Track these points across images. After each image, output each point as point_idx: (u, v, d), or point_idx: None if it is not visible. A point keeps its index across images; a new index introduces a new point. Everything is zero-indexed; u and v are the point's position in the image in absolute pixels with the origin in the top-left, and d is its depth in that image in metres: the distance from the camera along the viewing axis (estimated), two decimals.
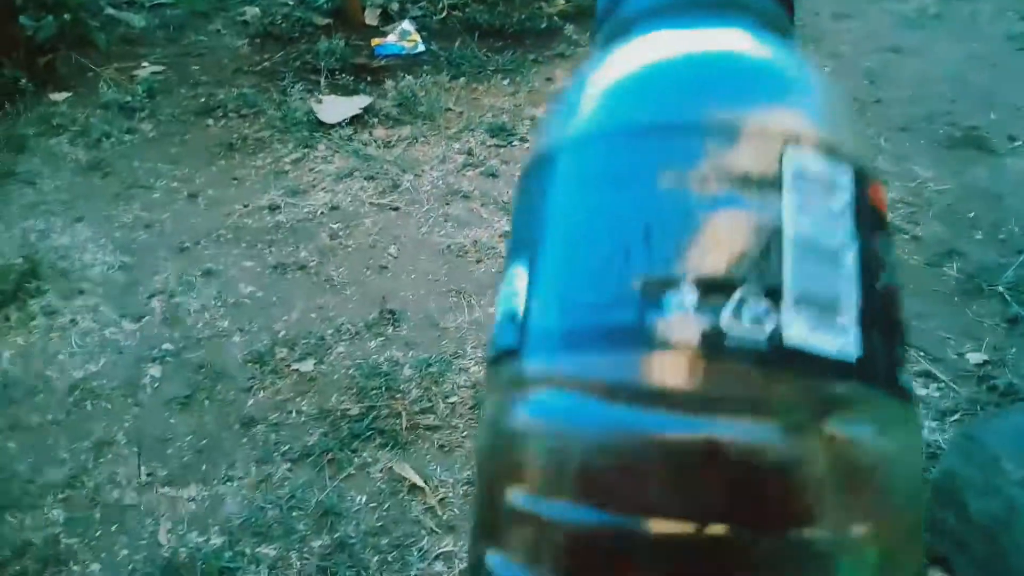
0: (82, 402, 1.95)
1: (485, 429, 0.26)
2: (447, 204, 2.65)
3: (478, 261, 2.40)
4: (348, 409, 1.91)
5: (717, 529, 0.21)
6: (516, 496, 0.24)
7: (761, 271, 0.22)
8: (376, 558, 1.58)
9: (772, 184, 0.23)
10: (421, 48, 3.62)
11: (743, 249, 0.23)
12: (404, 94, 3.22)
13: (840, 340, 0.22)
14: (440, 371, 2.00)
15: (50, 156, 2.94)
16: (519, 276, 0.26)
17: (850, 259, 0.23)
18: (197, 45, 3.78)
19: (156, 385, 2.00)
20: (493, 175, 2.78)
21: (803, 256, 0.23)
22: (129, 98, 3.26)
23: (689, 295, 0.22)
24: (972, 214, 2.50)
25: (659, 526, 0.21)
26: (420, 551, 1.59)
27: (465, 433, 1.85)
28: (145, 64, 3.58)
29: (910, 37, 3.69)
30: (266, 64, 3.57)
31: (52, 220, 2.61)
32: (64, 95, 3.31)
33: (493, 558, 0.24)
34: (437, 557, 1.58)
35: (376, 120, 3.12)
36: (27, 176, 2.81)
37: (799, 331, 0.22)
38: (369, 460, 1.78)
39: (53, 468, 1.78)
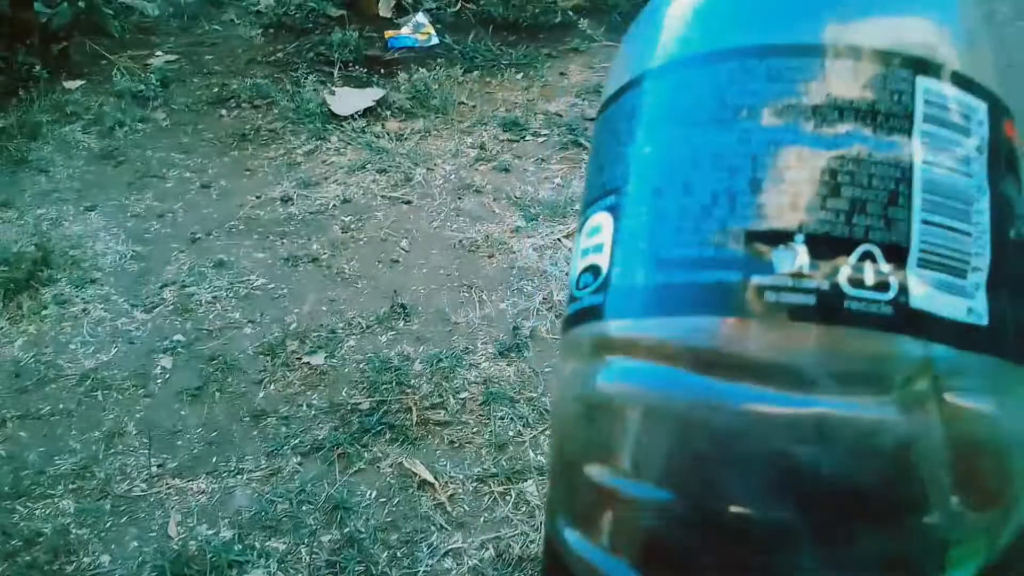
0: (93, 392, 1.95)
1: (566, 396, 0.23)
2: (459, 198, 2.64)
3: (490, 256, 2.39)
4: (359, 403, 1.91)
5: (824, 518, 0.19)
6: (598, 473, 0.21)
7: (885, 225, 0.19)
8: (385, 554, 1.58)
9: (901, 121, 0.20)
10: (435, 41, 3.61)
11: (865, 198, 0.20)
12: (417, 87, 3.20)
13: (969, 303, 0.20)
14: (451, 366, 1.99)
15: (63, 144, 2.94)
16: (602, 225, 0.23)
17: (983, 210, 0.20)
18: (211, 35, 3.77)
19: (167, 376, 2.00)
20: (506, 170, 2.77)
21: (932, 207, 0.20)
22: (143, 87, 3.25)
23: (803, 252, 0.19)
24: None
25: (759, 515, 0.19)
26: (429, 547, 1.59)
27: (475, 429, 1.84)
28: (159, 53, 3.58)
29: None
30: (279, 55, 3.57)
31: (64, 208, 2.61)
32: (78, 83, 3.31)
33: (571, 534, 0.22)
34: (447, 554, 1.58)
35: (389, 113, 3.11)
36: (40, 164, 2.81)
37: (926, 294, 0.19)
38: (379, 455, 1.78)
39: (64, 458, 1.78)
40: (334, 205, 2.61)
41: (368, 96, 3.16)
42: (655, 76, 0.23)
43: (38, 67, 3.20)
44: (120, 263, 2.37)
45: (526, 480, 1.71)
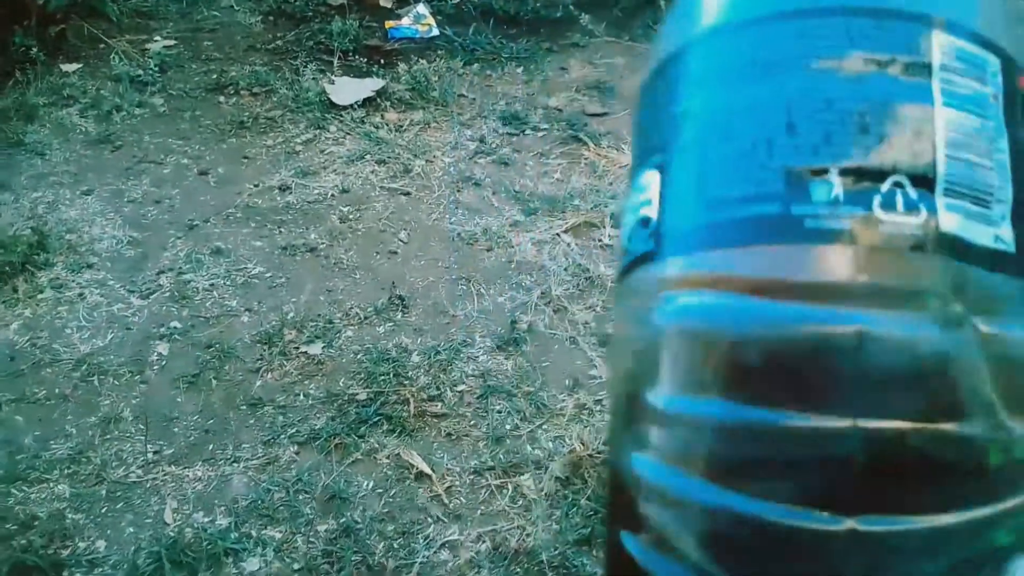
0: (89, 377, 1.94)
1: (629, 334, 0.25)
2: (458, 191, 2.63)
3: (488, 250, 2.39)
4: (356, 394, 1.91)
5: (871, 424, 0.20)
6: (662, 398, 0.22)
7: (913, 158, 0.21)
8: (382, 544, 1.58)
9: (920, 68, 0.22)
10: (435, 32, 3.59)
11: (893, 135, 0.21)
12: (417, 78, 3.20)
13: (995, 231, 0.21)
14: (448, 359, 2.00)
15: (60, 127, 2.92)
16: (650, 181, 0.24)
17: (1003, 149, 0.22)
18: (210, 20, 3.75)
19: (163, 363, 1.99)
20: (505, 163, 2.77)
21: (955, 144, 0.21)
22: (140, 72, 3.23)
23: (838, 183, 0.21)
24: None
25: (813, 421, 0.20)
26: (426, 539, 1.59)
27: (473, 422, 1.84)
28: (157, 38, 3.55)
29: None
30: (279, 43, 3.55)
31: (61, 192, 2.59)
32: (75, 66, 3.28)
33: (639, 459, 0.23)
34: (443, 545, 1.58)
35: (388, 103, 3.10)
36: (36, 147, 2.79)
37: (954, 220, 0.21)
38: (376, 446, 1.78)
39: (59, 443, 1.78)
40: (332, 195, 2.61)
41: (367, 86, 3.15)
42: (692, 46, 0.25)
43: (35, 49, 3.17)
44: (117, 248, 2.36)
45: (523, 474, 1.72)
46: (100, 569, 1.54)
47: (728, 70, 0.23)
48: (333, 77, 3.23)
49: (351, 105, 3.04)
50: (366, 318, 2.13)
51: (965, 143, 0.21)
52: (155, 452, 1.77)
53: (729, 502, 0.21)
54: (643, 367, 0.23)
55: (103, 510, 1.65)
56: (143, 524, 1.62)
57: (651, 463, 0.23)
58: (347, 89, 3.12)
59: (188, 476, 1.72)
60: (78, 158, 2.77)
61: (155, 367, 1.98)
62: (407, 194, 2.62)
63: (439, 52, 3.45)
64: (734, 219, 0.22)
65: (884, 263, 0.20)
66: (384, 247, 2.40)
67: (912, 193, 0.21)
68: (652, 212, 0.24)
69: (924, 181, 0.21)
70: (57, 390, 1.91)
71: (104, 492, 1.68)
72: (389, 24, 3.62)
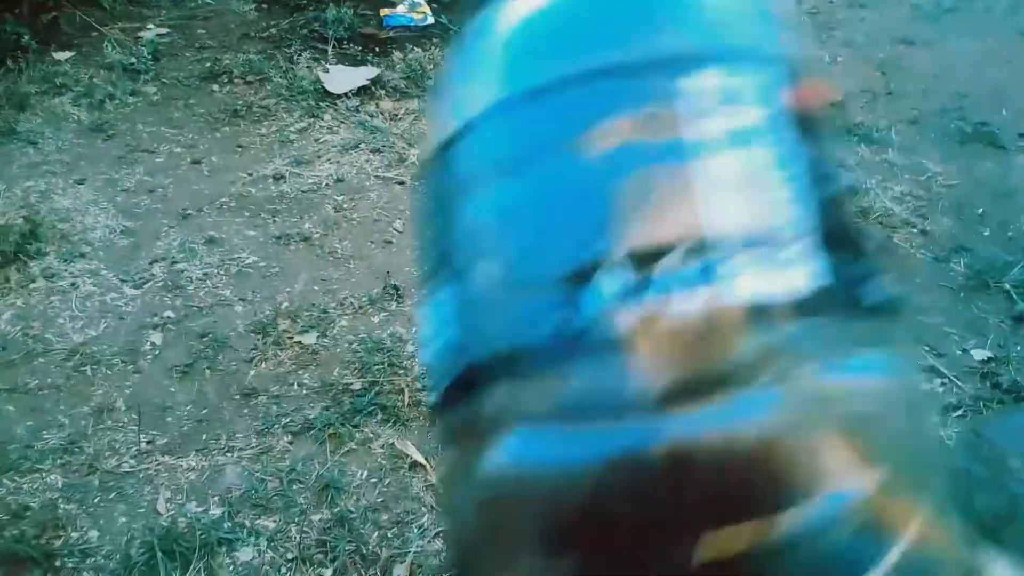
0: (82, 367, 1.93)
1: (457, 490, 0.22)
2: None
3: None
4: (350, 383, 1.90)
5: (711, 542, 0.18)
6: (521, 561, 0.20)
7: (683, 228, 0.18)
8: (376, 534, 1.58)
9: (675, 122, 0.19)
10: (430, 20, 3.57)
11: (657, 210, 0.19)
12: (412, 67, 3.18)
13: (789, 277, 0.19)
14: None
15: (52, 116, 2.90)
16: (444, 302, 0.22)
17: (785, 179, 0.19)
18: (203, 8, 3.72)
19: (157, 352, 1.98)
20: None
21: (732, 191, 0.19)
22: (134, 60, 3.21)
23: (609, 281, 0.18)
24: (981, 210, 2.48)
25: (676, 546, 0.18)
26: (420, 528, 1.59)
27: None
28: (150, 26, 3.52)
29: (924, 30, 3.66)
30: (273, 30, 3.53)
31: (53, 181, 2.57)
32: (67, 54, 3.26)
33: None
34: (437, 535, 1.58)
35: (383, 92, 3.08)
36: (28, 136, 2.77)
37: (745, 282, 0.18)
38: (371, 435, 1.77)
39: (52, 432, 1.77)
40: (327, 184, 2.59)
41: (362, 74, 3.13)
42: (458, 138, 0.22)
43: (27, 37, 3.15)
44: (110, 238, 2.35)
45: None
46: (93, 559, 1.53)
47: (482, 169, 0.21)
48: (328, 65, 3.21)
49: (346, 94, 3.03)
50: (360, 308, 2.12)
51: (745, 185, 0.19)
52: (148, 442, 1.76)
53: None
54: (487, 525, 0.22)
55: (96, 500, 1.64)
56: (136, 514, 1.61)
57: None
58: (342, 77, 3.11)
59: (181, 466, 1.71)
60: (71, 147, 2.76)
61: (148, 357, 1.97)
62: (402, 183, 2.61)
63: (434, 40, 3.44)
64: (536, 341, 0.19)
65: (685, 350, 0.18)
66: (379, 236, 2.39)
67: (693, 265, 0.18)
68: (452, 337, 0.22)
69: (709, 246, 0.18)
70: (49, 380, 1.90)
71: (97, 482, 1.67)
72: (384, 12, 3.60)
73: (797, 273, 0.19)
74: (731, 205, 0.19)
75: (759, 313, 0.18)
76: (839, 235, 0.20)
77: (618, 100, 0.19)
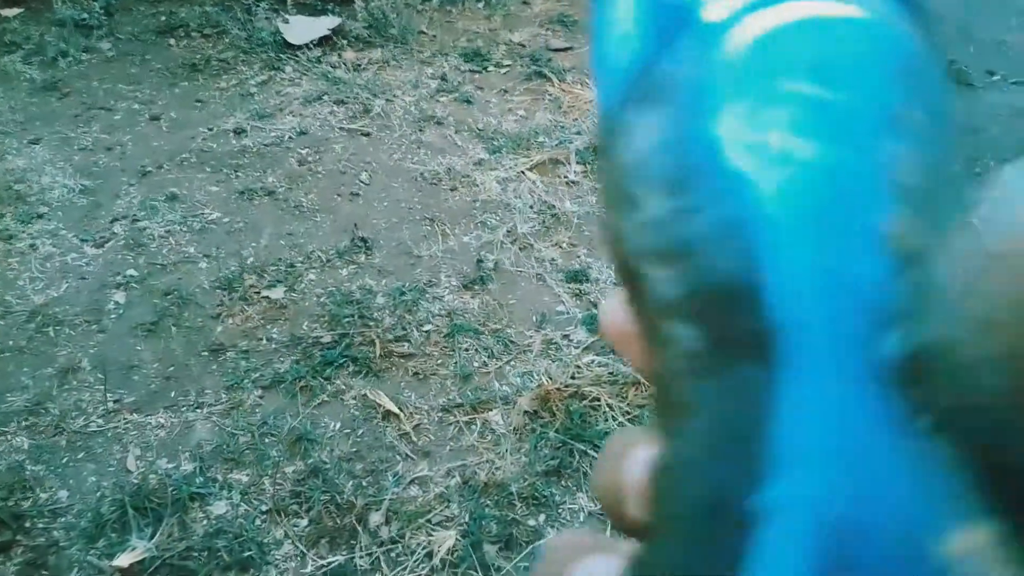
0: (44, 328, 1.89)
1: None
2: (420, 130, 2.58)
3: (452, 189, 2.34)
4: (320, 337, 1.88)
5: None
6: None
7: None
8: (351, 483, 1.57)
9: None
10: None
11: None
12: (375, 15, 3.10)
13: None
14: (414, 299, 1.97)
15: (3, 75, 2.80)
16: None
17: None
18: None
19: (121, 311, 1.94)
20: (468, 101, 2.71)
21: None
22: (86, 15, 3.10)
23: None
24: None
25: None
26: (395, 476, 1.58)
27: (440, 361, 1.82)
28: None
29: None
30: None
31: (7, 141, 2.50)
32: (16, 11, 3.14)
33: None
34: (412, 482, 1.57)
35: (345, 42, 3.01)
36: None
37: None
38: (343, 387, 1.76)
39: (16, 394, 1.73)
40: (290, 137, 2.54)
41: (323, 24, 3.05)
42: None
43: None
44: (68, 197, 2.29)
45: (491, 409, 1.71)
46: (63, 519, 1.51)
47: None
48: (287, 16, 3.12)
49: (306, 45, 2.95)
50: (328, 261, 2.09)
51: None
52: (115, 401, 1.73)
53: None
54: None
55: (64, 460, 1.61)
56: (105, 473, 1.59)
57: None
58: (302, 28, 3.03)
59: (150, 423, 1.69)
60: (24, 106, 2.67)
61: (112, 316, 1.93)
62: (367, 135, 2.56)
63: None
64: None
65: None
66: (345, 189, 2.35)
67: None
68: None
69: None
70: (11, 342, 1.85)
71: (64, 442, 1.65)
72: None
73: None
74: None
75: None
76: None
77: None
